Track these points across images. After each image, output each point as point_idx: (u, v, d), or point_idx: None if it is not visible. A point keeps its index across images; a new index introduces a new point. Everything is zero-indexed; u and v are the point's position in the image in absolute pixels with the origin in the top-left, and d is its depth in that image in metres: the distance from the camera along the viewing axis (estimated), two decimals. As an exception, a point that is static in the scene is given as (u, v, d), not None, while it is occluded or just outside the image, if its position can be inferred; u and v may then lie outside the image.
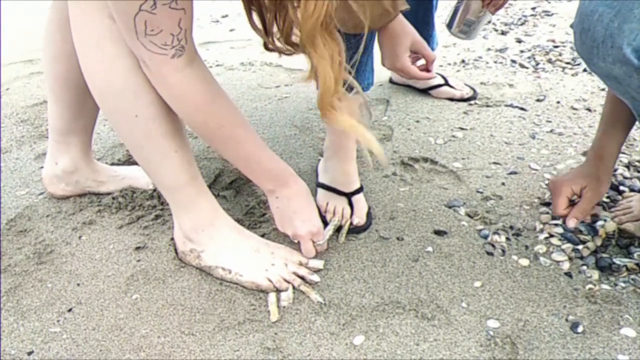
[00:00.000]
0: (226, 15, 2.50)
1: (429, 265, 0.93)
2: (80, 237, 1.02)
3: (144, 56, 0.73)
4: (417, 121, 1.43)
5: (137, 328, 0.82)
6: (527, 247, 0.97)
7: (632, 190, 1.09)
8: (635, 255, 0.93)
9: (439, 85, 1.55)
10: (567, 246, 0.96)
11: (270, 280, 0.88)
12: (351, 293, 0.88)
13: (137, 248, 0.98)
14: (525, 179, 1.17)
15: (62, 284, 0.91)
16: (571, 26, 0.90)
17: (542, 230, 1.00)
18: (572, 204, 0.94)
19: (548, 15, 2.25)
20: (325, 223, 1.03)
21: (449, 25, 1.29)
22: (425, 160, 1.25)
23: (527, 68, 1.75)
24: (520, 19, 2.22)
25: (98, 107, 1.05)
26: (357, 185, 1.08)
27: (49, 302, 0.87)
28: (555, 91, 1.58)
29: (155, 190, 1.11)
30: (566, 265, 0.92)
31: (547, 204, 1.08)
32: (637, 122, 0.87)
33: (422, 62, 1.05)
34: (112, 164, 1.22)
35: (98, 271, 0.94)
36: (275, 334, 0.81)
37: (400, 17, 0.97)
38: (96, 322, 0.83)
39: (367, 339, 0.79)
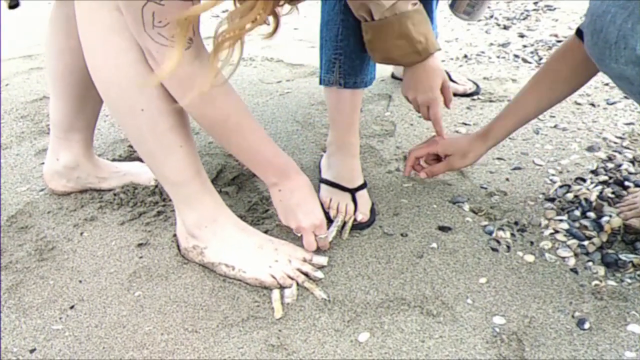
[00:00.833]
0: (226, 10, 2.48)
1: (434, 261, 0.93)
2: (81, 234, 1.01)
3: (151, 48, 0.72)
4: (420, 116, 1.41)
5: (140, 325, 0.82)
6: (532, 243, 0.96)
7: (637, 185, 1.08)
8: (641, 251, 0.92)
9: (442, 80, 1.54)
10: (573, 242, 0.95)
11: (273, 277, 0.87)
12: (355, 289, 0.87)
13: (139, 245, 0.98)
14: (530, 174, 1.16)
15: (64, 281, 0.90)
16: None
17: (547, 226, 1.00)
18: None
19: (550, 9, 2.24)
20: (329, 219, 1.02)
21: (452, 5, 1.28)
22: (429, 155, 1.24)
23: (530, 63, 1.74)
24: (522, 13, 2.21)
25: (100, 103, 1.05)
26: (360, 181, 1.07)
27: (51, 299, 0.87)
28: (559, 86, 1.57)
29: (157, 186, 1.10)
30: (572, 261, 0.92)
31: (552, 200, 1.07)
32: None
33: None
34: (113, 160, 1.21)
35: (100, 268, 0.93)
36: (280, 330, 0.80)
37: (434, 57, 0.99)
38: (99, 319, 0.83)
39: (372, 336, 0.79)
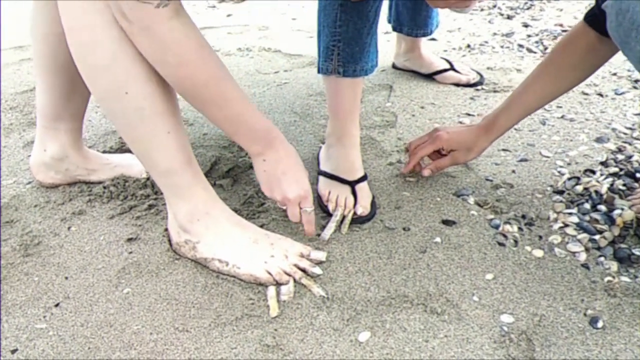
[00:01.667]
0: (222, 1, 2.43)
1: (438, 256, 0.88)
2: (69, 228, 0.97)
3: (123, 7, 0.67)
4: (422, 107, 1.37)
5: (128, 324, 0.77)
6: (540, 237, 0.92)
7: (649, 177, 1.04)
8: (655, 245, 0.88)
9: (445, 70, 1.50)
10: (584, 236, 0.91)
11: (269, 273, 0.83)
12: (355, 286, 0.83)
13: (129, 239, 0.93)
14: (537, 166, 1.12)
15: (49, 278, 0.86)
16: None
17: (556, 220, 0.95)
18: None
19: (555, -1, 2.19)
20: (327, 213, 0.98)
21: None
22: (432, 147, 1.19)
23: (535, 53, 1.70)
24: (526, 2, 2.16)
25: (89, 93, 1.00)
26: (361, 173, 1.02)
27: (35, 296, 0.82)
28: (565, 76, 1.52)
29: (148, 179, 1.06)
30: (583, 257, 0.87)
31: (561, 192, 1.03)
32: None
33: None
34: (104, 152, 1.17)
35: (87, 264, 0.89)
36: (275, 330, 0.76)
37: None
38: (85, 318, 0.78)
39: (373, 335, 0.75)
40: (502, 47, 1.75)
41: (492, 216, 0.97)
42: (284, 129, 1.29)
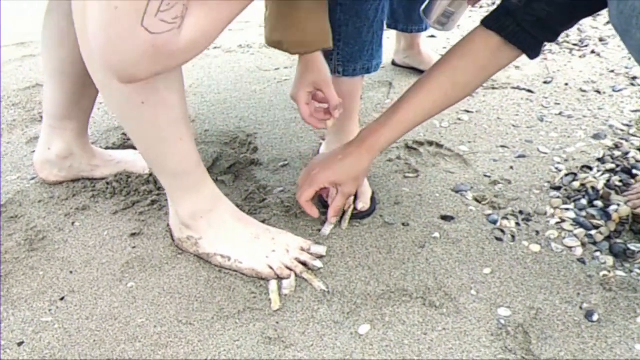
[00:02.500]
0: None
1: (436, 251, 0.90)
2: (73, 224, 0.98)
3: (145, 46, 0.60)
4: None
5: (132, 317, 0.79)
6: (537, 232, 0.93)
7: (645, 173, 1.06)
8: (650, 240, 0.89)
9: (444, 67, 1.51)
10: (580, 231, 0.92)
11: (271, 268, 0.84)
12: (355, 280, 0.84)
13: (133, 234, 0.95)
14: (535, 162, 1.13)
15: (54, 272, 0.87)
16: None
17: (553, 215, 0.97)
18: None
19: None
20: (325, 206, 0.99)
21: (426, 14, 1.20)
22: (431, 143, 1.21)
23: (533, 50, 1.70)
24: (525, 0, 2.17)
25: (97, 92, 1.01)
26: (360, 169, 1.04)
27: (41, 290, 0.84)
28: (563, 73, 1.54)
29: (151, 175, 1.07)
30: (579, 251, 0.89)
31: (558, 188, 1.04)
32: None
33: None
34: (107, 148, 1.18)
35: (92, 258, 0.90)
36: (277, 323, 0.77)
37: (316, 54, 0.91)
38: (90, 311, 0.80)
39: (372, 328, 0.76)
40: (501, 44, 1.76)
41: (490, 212, 0.99)
42: (284, 125, 1.30)
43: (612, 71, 1.54)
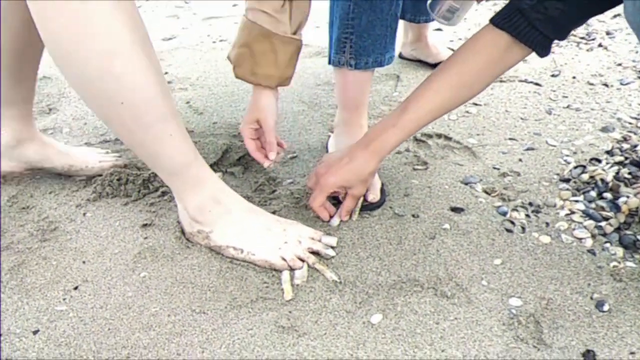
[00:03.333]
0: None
1: (447, 242, 0.90)
2: (84, 214, 0.99)
3: None
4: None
5: (146, 306, 0.79)
6: (547, 224, 0.94)
7: (654, 166, 1.06)
8: (660, 232, 0.90)
9: (451, 60, 1.51)
10: (590, 223, 0.92)
11: (284, 259, 0.85)
12: (367, 271, 0.85)
13: (144, 225, 0.95)
14: (543, 154, 1.13)
15: (67, 262, 0.88)
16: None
17: (562, 207, 0.97)
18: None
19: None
20: (337, 200, 1.00)
21: (432, 9, 1.19)
22: (439, 136, 1.21)
23: (540, 43, 1.70)
24: (531, -7, 2.16)
25: (36, 78, 0.97)
26: (370, 161, 1.04)
27: (54, 280, 0.84)
28: (571, 66, 1.54)
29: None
30: (589, 243, 0.89)
31: (567, 180, 1.04)
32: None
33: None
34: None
35: (104, 249, 0.90)
36: (290, 312, 0.78)
37: (264, 93, 0.93)
38: (104, 300, 0.80)
39: (384, 318, 0.77)
40: (507, 37, 1.76)
41: (499, 203, 0.99)
42: (292, 118, 1.31)
43: (620, 64, 1.53)
